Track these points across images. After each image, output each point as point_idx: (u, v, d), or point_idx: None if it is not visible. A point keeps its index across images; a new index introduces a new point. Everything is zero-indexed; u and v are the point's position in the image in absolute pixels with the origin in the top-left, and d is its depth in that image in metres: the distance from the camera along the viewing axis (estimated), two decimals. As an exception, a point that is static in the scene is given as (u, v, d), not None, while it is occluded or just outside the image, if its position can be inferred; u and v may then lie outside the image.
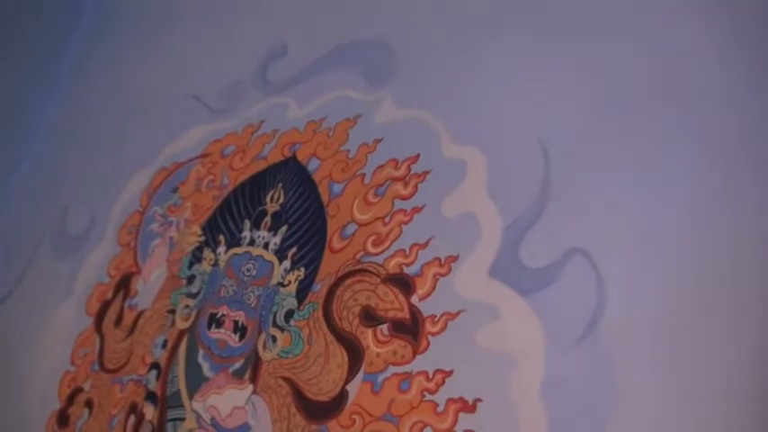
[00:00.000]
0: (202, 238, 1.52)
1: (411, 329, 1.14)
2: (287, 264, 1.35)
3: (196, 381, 1.35)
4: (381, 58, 1.44)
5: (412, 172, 1.28)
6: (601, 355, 0.96)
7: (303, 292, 1.30)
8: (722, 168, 1.01)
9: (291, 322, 1.28)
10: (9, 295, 1.81)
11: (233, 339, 1.35)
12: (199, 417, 1.31)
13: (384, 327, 1.17)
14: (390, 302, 1.18)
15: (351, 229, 1.30)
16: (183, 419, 1.34)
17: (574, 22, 1.23)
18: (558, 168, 1.12)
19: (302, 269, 1.33)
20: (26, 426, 1.56)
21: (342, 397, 1.16)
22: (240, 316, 1.36)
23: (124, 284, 1.60)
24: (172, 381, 1.39)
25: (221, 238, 1.49)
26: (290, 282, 1.33)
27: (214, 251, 1.48)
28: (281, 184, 1.46)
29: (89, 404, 1.50)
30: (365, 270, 1.24)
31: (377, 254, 1.24)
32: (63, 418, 1.52)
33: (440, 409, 1.06)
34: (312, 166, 1.44)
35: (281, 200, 1.44)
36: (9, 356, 1.70)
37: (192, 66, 1.82)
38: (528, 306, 1.05)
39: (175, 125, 1.74)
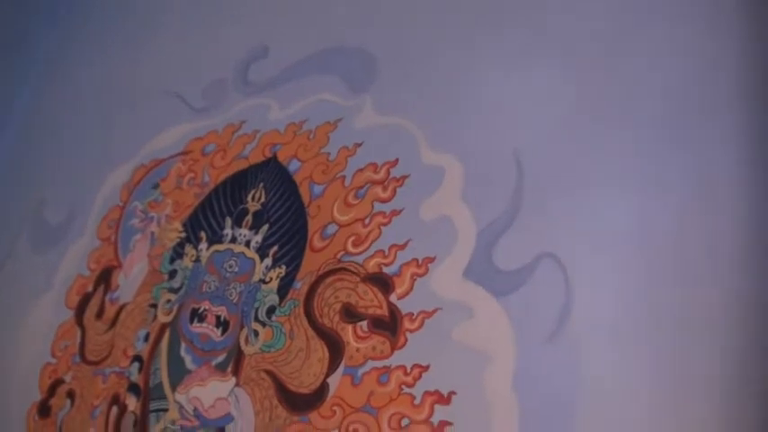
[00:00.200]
0: (183, 235, 1.56)
1: (390, 326, 1.21)
2: (268, 261, 1.40)
3: (178, 373, 1.40)
4: (362, 65, 1.50)
5: (391, 176, 1.34)
6: (568, 351, 1.05)
7: (284, 289, 1.36)
8: (687, 176, 1.09)
9: (273, 318, 1.34)
10: (-13, 287, 1.83)
11: (215, 333, 1.40)
12: (182, 408, 1.36)
13: (364, 323, 1.23)
14: (370, 300, 1.25)
15: (331, 229, 1.36)
16: (165, 410, 1.39)
17: (549, 38, 1.30)
18: (531, 178, 1.20)
19: (283, 267, 1.38)
20: (7, 415, 1.59)
21: (323, 389, 1.22)
22: (222, 311, 1.41)
23: (105, 278, 1.64)
24: (154, 373, 1.44)
25: (203, 234, 1.53)
26: (271, 279, 1.38)
27: (195, 247, 1.52)
28: (262, 184, 1.51)
29: (71, 395, 1.54)
30: (345, 269, 1.30)
31: (357, 254, 1.30)
32: (44, 409, 1.56)
33: (417, 401, 1.13)
34: (293, 167, 1.49)
35: (263, 199, 1.48)
36: (-12, 348, 1.72)
37: (174, 64, 1.84)
38: (500, 306, 1.13)
39: (157, 122, 1.77)
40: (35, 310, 1.69)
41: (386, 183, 1.34)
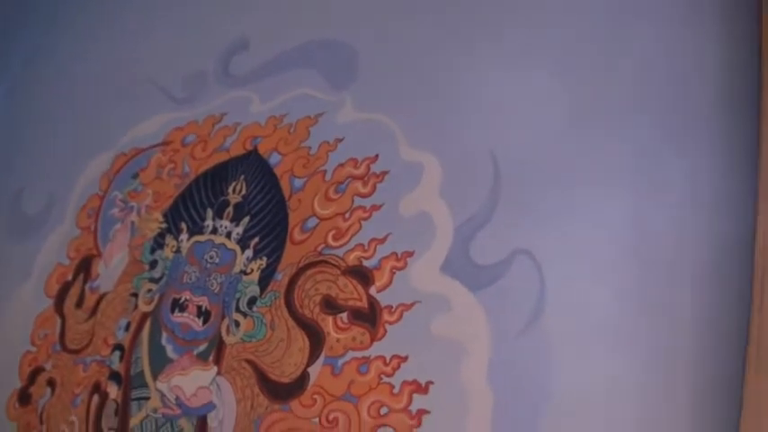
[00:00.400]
0: (164, 225, 1.58)
1: (369, 318, 1.25)
2: (249, 253, 1.43)
3: (160, 362, 1.43)
4: (343, 61, 1.52)
5: (371, 171, 1.38)
6: (541, 344, 1.10)
7: (265, 280, 1.39)
8: (660, 176, 1.14)
9: (254, 308, 1.37)
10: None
11: (197, 323, 1.42)
12: (163, 396, 1.39)
13: (344, 315, 1.27)
14: (350, 293, 1.28)
15: (312, 222, 1.39)
16: (147, 398, 1.41)
17: (533, 39, 1.33)
18: (507, 176, 1.24)
19: (264, 258, 1.41)
20: (-14, 403, 1.60)
21: (303, 379, 1.26)
22: (203, 301, 1.43)
23: (84, 267, 1.65)
24: (135, 362, 1.46)
25: (183, 225, 1.55)
26: (252, 270, 1.41)
27: (176, 238, 1.54)
28: (243, 177, 1.53)
29: (51, 383, 1.55)
30: (326, 262, 1.33)
31: (337, 247, 1.34)
32: (24, 397, 1.57)
33: (395, 390, 1.18)
34: (273, 160, 1.51)
35: (244, 191, 1.51)
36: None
37: (155, 54, 1.84)
38: (477, 300, 1.18)
39: (137, 111, 1.77)
40: (14, 299, 1.70)
41: (366, 178, 1.37)
